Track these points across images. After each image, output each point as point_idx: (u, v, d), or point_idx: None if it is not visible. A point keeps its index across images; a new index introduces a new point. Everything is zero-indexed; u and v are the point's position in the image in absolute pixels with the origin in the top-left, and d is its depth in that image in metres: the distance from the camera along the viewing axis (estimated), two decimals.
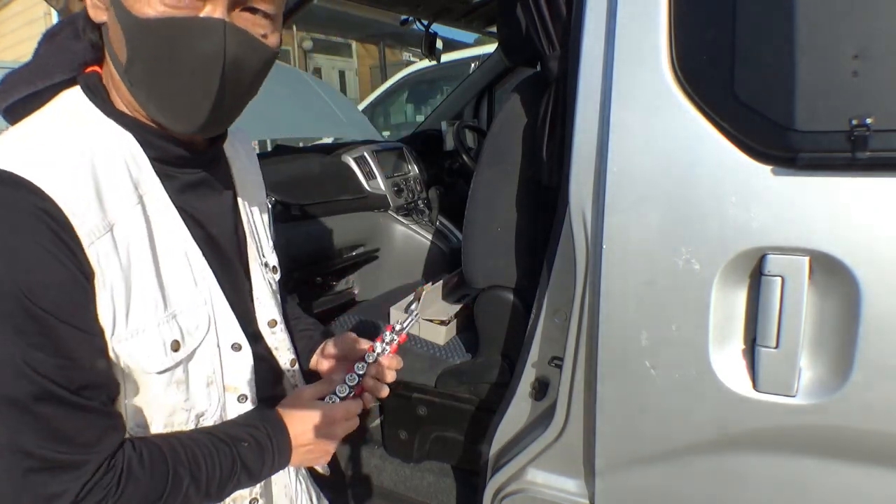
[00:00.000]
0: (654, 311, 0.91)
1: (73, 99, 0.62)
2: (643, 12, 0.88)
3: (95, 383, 0.57)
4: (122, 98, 0.63)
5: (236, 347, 0.70)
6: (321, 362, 0.91)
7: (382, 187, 2.20)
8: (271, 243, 0.86)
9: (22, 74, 0.62)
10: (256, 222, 0.82)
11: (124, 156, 0.61)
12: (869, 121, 0.74)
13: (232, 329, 0.70)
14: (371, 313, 1.77)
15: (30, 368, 0.53)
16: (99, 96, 0.62)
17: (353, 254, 2.11)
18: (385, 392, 0.84)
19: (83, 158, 0.57)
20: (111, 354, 0.59)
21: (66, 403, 0.55)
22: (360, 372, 0.81)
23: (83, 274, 0.55)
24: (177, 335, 0.63)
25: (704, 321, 0.87)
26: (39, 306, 0.53)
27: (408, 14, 2.32)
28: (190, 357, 0.65)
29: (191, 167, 0.69)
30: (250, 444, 0.67)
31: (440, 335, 1.59)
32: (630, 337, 0.93)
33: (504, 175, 1.28)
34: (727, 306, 0.88)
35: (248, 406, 0.73)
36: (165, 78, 0.58)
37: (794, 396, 0.85)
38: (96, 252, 0.56)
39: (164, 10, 0.55)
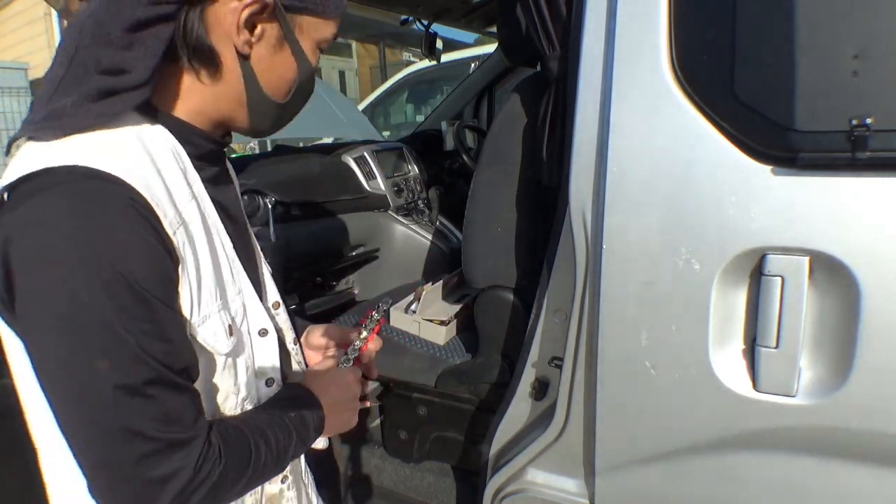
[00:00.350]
0: (654, 311, 0.91)
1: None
2: (643, 12, 0.88)
3: (190, 364, 0.61)
4: (189, 102, 0.66)
5: (263, 333, 0.74)
6: (308, 354, 0.94)
7: (382, 187, 2.20)
8: None
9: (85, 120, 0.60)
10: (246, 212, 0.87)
11: (171, 151, 0.63)
12: (869, 121, 0.74)
13: (259, 316, 0.73)
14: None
15: (144, 353, 0.54)
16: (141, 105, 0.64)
17: (353, 254, 2.11)
18: (375, 371, 0.92)
19: (146, 156, 0.60)
20: (193, 341, 0.63)
21: (172, 385, 0.57)
22: (358, 345, 0.88)
23: (173, 261, 0.58)
24: (229, 321, 0.67)
25: (704, 321, 0.87)
26: (147, 291, 0.55)
27: (408, 14, 2.32)
28: (237, 343, 0.69)
29: (215, 162, 0.73)
30: (296, 415, 0.71)
31: (440, 335, 1.59)
32: (630, 337, 0.93)
33: (504, 175, 1.28)
34: (727, 306, 0.88)
35: (275, 389, 0.76)
36: (301, 105, 0.75)
37: (794, 396, 0.85)
38: (177, 241, 0.59)
39: (316, 61, 0.72)
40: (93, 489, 0.57)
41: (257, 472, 0.64)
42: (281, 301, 0.84)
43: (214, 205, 0.69)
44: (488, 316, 1.40)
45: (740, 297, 0.88)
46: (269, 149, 2.57)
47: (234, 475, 0.61)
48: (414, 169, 2.45)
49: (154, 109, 0.64)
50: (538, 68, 1.26)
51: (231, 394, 0.69)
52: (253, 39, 0.64)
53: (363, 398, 0.88)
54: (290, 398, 0.74)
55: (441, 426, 1.62)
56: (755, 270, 0.85)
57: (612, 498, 1.05)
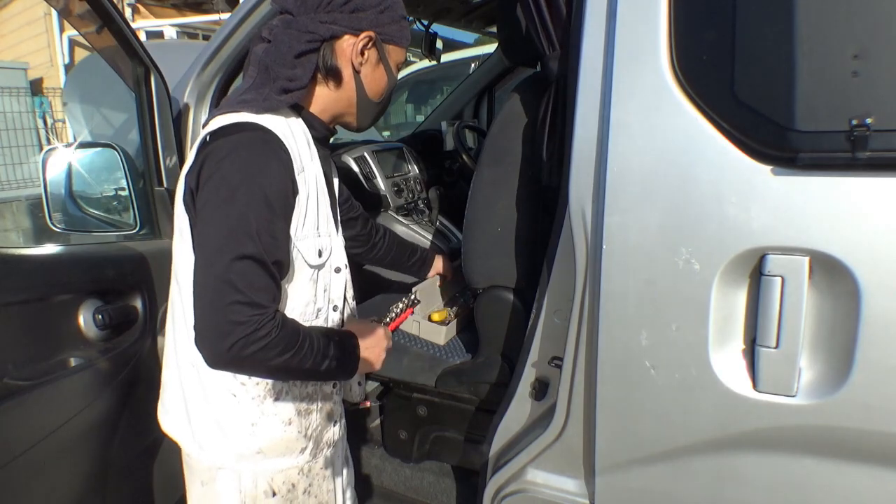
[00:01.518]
0: (654, 311, 0.91)
1: None
2: (643, 12, 0.88)
3: (282, 261, 0.90)
4: (319, 101, 1.02)
5: (337, 270, 1.07)
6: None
7: (382, 187, 2.20)
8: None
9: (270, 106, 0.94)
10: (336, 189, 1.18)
11: (302, 130, 0.99)
12: (869, 121, 0.74)
13: (339, 256, 1.07)
14: (371, 313, 1.77)
15: (257, 237, 0.84)
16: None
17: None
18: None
19: (289, 128, 0.95)
20: (293, 249, 0.93)
21: (265, 266, 0.85)
22: (396, 311, 1.36)
23: (294, 192, 0.92)
24: (321, 247, 0.99)
25: (704, 321, 0.87)
26: (273, 203, 0.87)
27: (408, 14, 2.32)
28: (321, 266, 1.01)
29: (325, 145, 1.07)
30: (338, 340, 0.98)
31: (440, 335, 1.59)
32: (630, 337, 0.93)
33: (504, 175, 1.28)
34: (727, 306, 0.88)
35: (338, 315, 1.09)
36: (387, 103, 1.10)
37: (794, 396, 0.85)
38: (299, 180, 0.93)
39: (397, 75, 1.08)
40: (195, 326, 0.84)
41: (298, 357, 0.89)
42: (344, 266, 1.11)
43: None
44: (488, 316, 1.40)
45: (740, 297, 0.88)
46: None
47: (282, 348, 0.86)
48: (414, 169, 2.45)
49: (299, 107, 1.00)
50: (538, 68, 1.26)
51: (310, 301, 1.00)
52: (363, 61, 0.99)
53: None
54: (340, 332, 1.02)
55: (441, 426, 1.62)
56: (755, 270, 0.85)
57: (612, 498, 1.05)
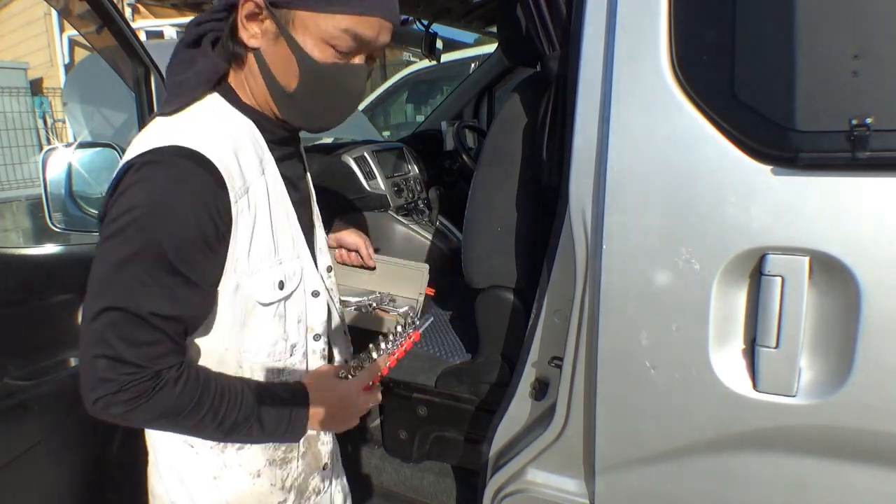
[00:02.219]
0: (654, 311, 0.91)
1: (213, 99, 0.81)
2: (643, 12, 0.88)
3: (181, 316, 0.74)
4: (252, 95, 0.82)
5: (315, 294, 0.89)
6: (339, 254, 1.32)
7: (382, 187, 2.20)
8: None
9: (181, 92, 0.79)
10: (312, 186, 1.03)
11: (251, 137, 0.81)
12: (869, 121, 0.74)
13: (314, 279, 0.89)
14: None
15: (135, 291, 0.70)
16: (230, 95, 0.82)
17: None
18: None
19: (229, 140, 0.76)
20: (234, 290, 0.78)
21: (146, 321, 0.71)
22: (389, 343, 0.96)
23: (220, 233, 0.74)
24: (282, 277, 0.82)
25: (704, 321, 0.87)
26: (173, 262, 0.71)
27: (408, 14, 2.32)
28: (288, 297, 0.84)
29: (286, 145, 0.89)
30: (273, 405, 0.81)
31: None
32: (630, 337, 0.93)
33: (504, 175, 1.28)
34: (727, 306, 0.88)
35: (321, 343, 0.92)
36: (321, 100, 0.81)
37: (794, 396, 0.85)
38: (237, 208, 0.75)
39: (334, 60, 0.77)
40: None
41: (194, 421, 0.75)
42: (333, 265, 1.00)
43: (284, 180, 0.85)
44: (488, 316, 1.40)
45: (740, 297, 0.88)
46: None
47: (161, 412, 0.73)
48: (414, 169, 2.45)
49: (235, 97, 0.82)
50: (538, 68, 1.26)
51: (280, 339, 0.84)
52: (254, 34, 0.77)
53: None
54: (283, 396, 0.83)
55: (441, 426, 1.62)
56: (755, 270, 0.85)
57: (612, 498, 1.05)
